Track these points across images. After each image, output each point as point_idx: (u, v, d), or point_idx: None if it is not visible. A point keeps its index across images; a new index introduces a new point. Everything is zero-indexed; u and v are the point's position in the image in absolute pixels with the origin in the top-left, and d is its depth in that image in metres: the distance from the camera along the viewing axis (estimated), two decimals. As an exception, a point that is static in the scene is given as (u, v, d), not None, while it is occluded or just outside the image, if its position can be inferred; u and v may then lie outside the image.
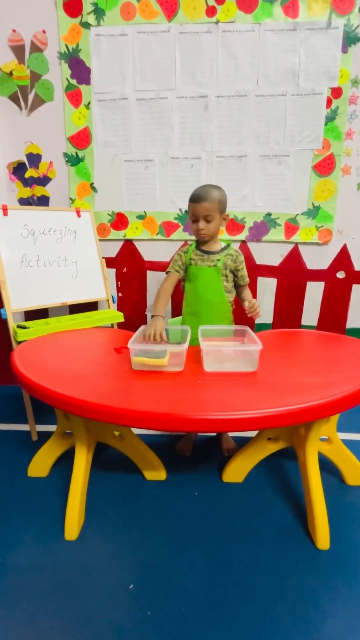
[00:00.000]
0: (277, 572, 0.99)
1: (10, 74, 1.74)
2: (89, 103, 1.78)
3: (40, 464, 1.34)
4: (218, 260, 1.36)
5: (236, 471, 1.32)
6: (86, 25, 1.69)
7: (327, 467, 1.35)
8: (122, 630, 0.85)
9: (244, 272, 1.41)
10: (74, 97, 1.78)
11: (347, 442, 1.32)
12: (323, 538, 1.06)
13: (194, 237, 1.41)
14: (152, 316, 1.29)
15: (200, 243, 1.39)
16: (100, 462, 1.40)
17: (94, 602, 0.91)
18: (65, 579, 0.97)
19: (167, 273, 1.41)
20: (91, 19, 1.68)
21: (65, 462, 1.35)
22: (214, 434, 1.60)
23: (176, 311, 1.98)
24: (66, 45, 1.71)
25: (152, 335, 1.19)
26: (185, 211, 1.87)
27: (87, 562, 1.01)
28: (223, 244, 1.41)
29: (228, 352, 1.16)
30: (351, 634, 0.84)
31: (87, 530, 1.12)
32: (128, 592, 0.93)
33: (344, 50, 1.66)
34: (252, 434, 1.34)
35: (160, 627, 0.85)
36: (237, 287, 1.45)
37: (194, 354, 1.18)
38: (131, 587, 0.95)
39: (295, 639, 0.83)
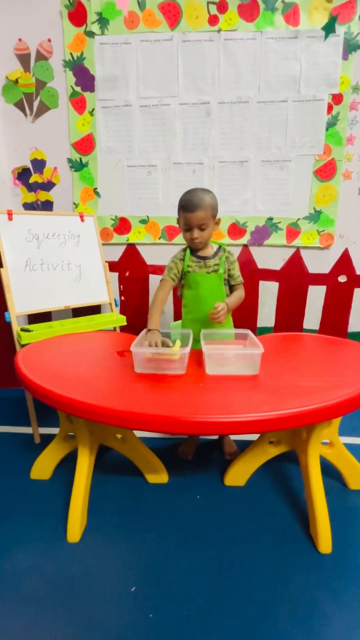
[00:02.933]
0: (278, 575, 0.99)
1: (16, 81, 1.78)
2: (93, 110, 1.81)
3: (43, 467, 1.35)
4: (217, 265, 1.35)
5: (238, 475, 1.32)
6: (90, 34, 1.72)
7: (329, 470, 1.34)
8: (124, 632, 0.85)
9: (234, 272, 1.38)
10: (78, 104, 1.81)
11: (349, 446, 1.32)
12: (325, 541, 1.06)
13: None
14: (148, 330, 1.24)
15: (194, 250, 1.36)
16: (103, 465, 1.41)
17: (96, 604, 0.91)
18: (67, 581, 0.97)
19: (161, 281, 1.37)
20: (95, 28, 1.71)
21: (67, 465, 1.36)
22: (216, 437, 1.61)
23: (177, 315, 1.99)
24: (71, 54, 1.75)
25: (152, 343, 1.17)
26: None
27: (90, 565, 1.02)
28: (215, 246, 1.39)
29: (230, 356, 1.17)
30: (353, 636, 0.84)
31: (90, 532, 1.12)
32: (130, 595, 0.94)
33: (345, 57, 1.68)
34: (254, 437, 1.34)
35: (162, 629, 0.86)
36: (229, 287, 1.41)
37: (196, 357, 1.19)
38: (133, 589, 0.95)
39: (297, 643, 0.83)
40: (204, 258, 1.36)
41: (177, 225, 1.86)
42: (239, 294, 1.39)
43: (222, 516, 1.18)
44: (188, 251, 1.36)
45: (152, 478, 1.33)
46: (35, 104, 1.81)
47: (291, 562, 1.03)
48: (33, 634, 0.85)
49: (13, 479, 1.36)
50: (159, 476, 1.33)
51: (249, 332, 1.26)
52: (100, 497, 1.25)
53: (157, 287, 1.37)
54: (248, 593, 0.94)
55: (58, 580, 0.97)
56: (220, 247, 1.39)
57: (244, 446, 1.35)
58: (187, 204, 1.26)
